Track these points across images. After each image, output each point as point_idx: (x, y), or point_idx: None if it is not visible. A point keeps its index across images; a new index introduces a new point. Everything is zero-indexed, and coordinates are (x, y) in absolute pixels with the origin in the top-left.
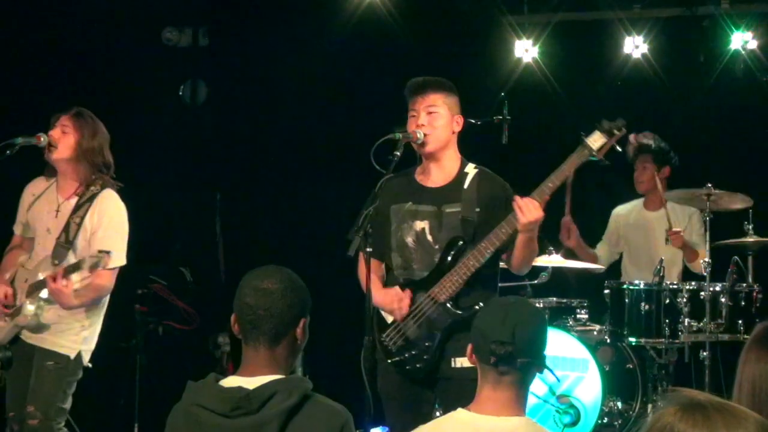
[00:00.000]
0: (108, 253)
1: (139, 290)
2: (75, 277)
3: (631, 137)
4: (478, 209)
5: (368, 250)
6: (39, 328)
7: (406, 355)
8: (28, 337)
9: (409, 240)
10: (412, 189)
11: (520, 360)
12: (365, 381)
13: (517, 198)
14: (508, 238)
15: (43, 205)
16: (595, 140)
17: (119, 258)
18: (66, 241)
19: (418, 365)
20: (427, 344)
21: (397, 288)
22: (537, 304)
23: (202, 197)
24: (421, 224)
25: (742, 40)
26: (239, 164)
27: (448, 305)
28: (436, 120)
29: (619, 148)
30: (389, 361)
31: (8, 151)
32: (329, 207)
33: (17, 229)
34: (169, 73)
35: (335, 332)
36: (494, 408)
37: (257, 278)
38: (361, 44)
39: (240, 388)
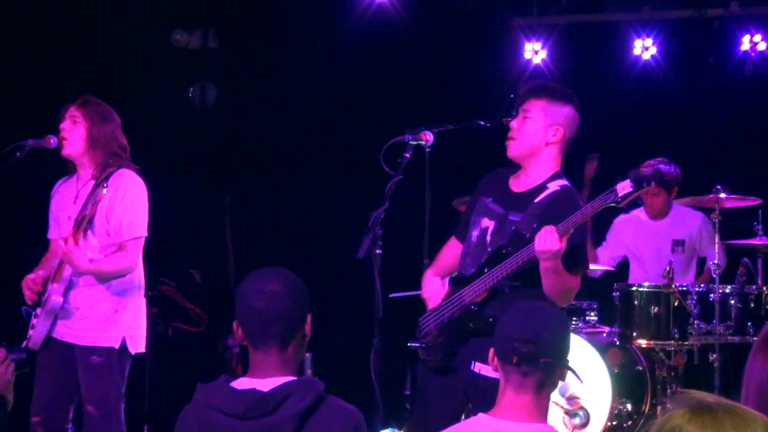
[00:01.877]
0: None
1: (149, 292)
2: (93, 247)
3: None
4: (535, 225)
5: (377, 252)
6: (71, 318)
7: (428, 341)
8: (63, 335)
9: (474, 234)
10: (500, 186)
11: (543, 360)
12: (374, 383)
13: (544, 228)
14: (530, 261)
15: (63, 197)
16: (624, 188)
17: (139, 228)
18: (84, 217)
19: (429, 357)
20: (441, 339)
21: (439, 282)
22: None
23: (211, 199)
24: (487, 223)
25: (751, 42)
26: (249, 166)
27: (471, 308)
28: (526, 125)
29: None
30: (409, 344)
31: (18, 153)
32: (339, 209)
33: (50, 235)
34: (178, 76)
35: (344, 334)
36: (516, 413)
37: (260, 282)
38: (371, 46)
39: (254, 390)
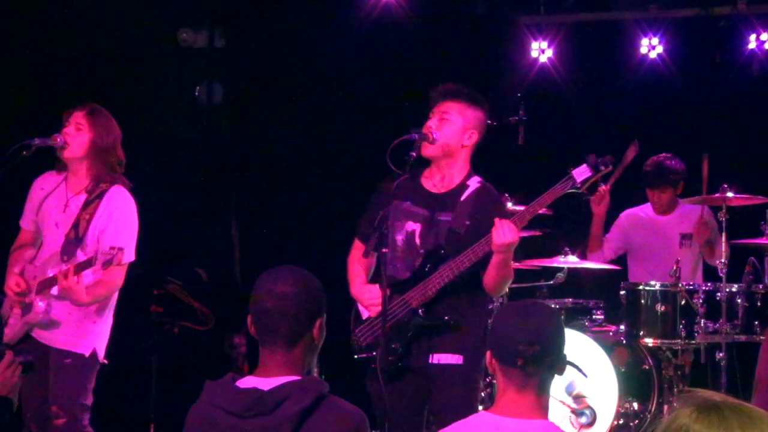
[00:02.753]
0: (121, 249)
1: (155, 291)
2: (87, 273)
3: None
4: (468, 222)
5: (384, 251)
6: (50, 326)
7: (373, 352)
8: (41, 337)
9: (399, 239)
10: (414, 190)
11: (548, 359)
12: (380, 382)
13: (497, 219)
14: (485, 256)
15: (52, 200)
16: (581, 173)
17: (129, 254)
18: (76, 237)
19: (382, 364)
20: (393, 345)
21: (377, 287)
22: (553, 305)
23: (218, 198)
24: (412, 226)
25: (758, 41)
26: (255, 165)
27: (419, 312)
28: (444, 126)
29: (603, 184)
30: (356, 356)
31: (24, 152)
32: (345, 208)
33: (24, 223)
34: (185, 75)
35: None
36: (518, 411)
37: (272, 281)
38: (377, 45)
39: (255, 389)
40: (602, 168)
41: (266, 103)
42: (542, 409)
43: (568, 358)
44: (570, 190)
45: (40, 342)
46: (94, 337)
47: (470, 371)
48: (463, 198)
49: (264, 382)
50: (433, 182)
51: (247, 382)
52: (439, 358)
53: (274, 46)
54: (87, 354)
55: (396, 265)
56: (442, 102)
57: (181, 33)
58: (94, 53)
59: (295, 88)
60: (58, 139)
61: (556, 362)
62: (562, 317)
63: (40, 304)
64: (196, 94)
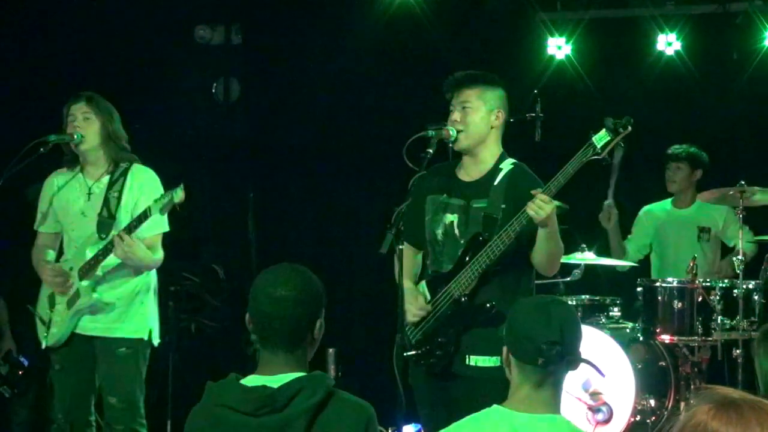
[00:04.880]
0: (175, 189)
1: (172, 287)
2: (142, 228)
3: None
4: (504, 206)
5: (400, 247)
6: (99, 315)
7: (422, 350)
8: (89, 330)
9: (439, 233)
10: (449, 181)
11: (569, 358)
12: (398, 378)
13: (529, 203)
14: (520, 235)
15: (70, 194)
16: (601, 138)
17: (162, 224)
18: (109, 215)
19: (432, 360)
20: (440, 340)
21: (422, 300)
22: (569, 302)
23: (235, 195)
24: (450, 217)
25: None
26: (272, 162)
27: (462, 301)
28: (469, 115)
29: (622, 145)
30: (406, 354)
31: (42, 149)
32: (362, 205)
33: (41, 227)
34: (202, 71)
35: (368, 330)
36: (533, 406)
37: (270, 284)
38: (394, 41)
39: (264, 387)
40: (621, 130)
41: (283, 99)
42: (556, 405)
43: (587, 358)
44: (593, 157)
45: (83, 335)
46: (147, 318)
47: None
48: (496, 182)
49: (270, 380)
50: (466, 171)
51: (252, 380)
52: (476, 361)
53: (290, 42)
54: (145, 337)
55: (439, 259)
56: (458, 92)
57: (198, 30)
58: (112, 50)
59: (312, 84)
60: (75, 135)
61: (575, 360)
62: (579, 314)
63: (85, 285)
64: (213, 90)
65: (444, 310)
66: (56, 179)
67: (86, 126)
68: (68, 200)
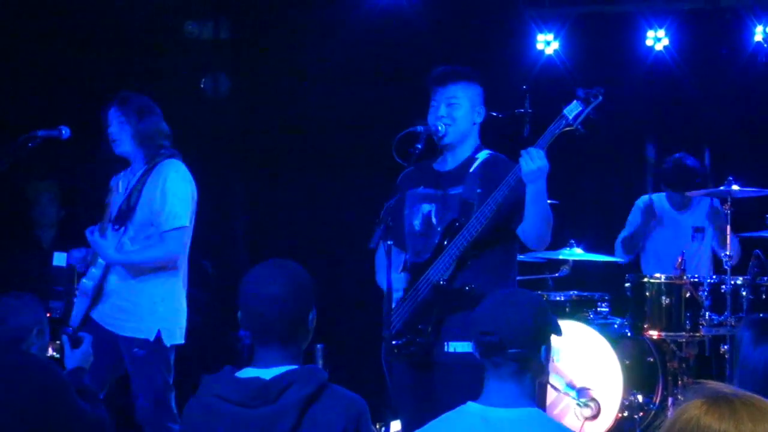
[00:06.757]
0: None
1: None
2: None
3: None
4: (480, 190)
5: (388, 243)
6: (112, 307)
7: (404, 339)
8: (105, 322)
9: (417, 223)
10: (426, 174)
11: (511, 351)
12: (386, 375)
13: (522, 152)
14: (499, 213)
15: (118, 190)
16: (572, 109)
17: (178, 218)
18: (128, 207)
19: (413, 348)
20: (421, 327)
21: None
22: (558, 298)
23: (224, 190)
24: (427, 207)
25: (764, 33)
26: (261, 156)
27: (441, 284)
28: (455, 111)
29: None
30: (396, 342)
31: (30, 144)
32: (352, 200)
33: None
34: (190, 66)
35: (356, 326)
36: (503, 400)
37: (261, 282)
38: (383, 37)
39: (258, 379)
40: (592, 99)
41: (272, 94)
42: (527, 397)
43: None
44: (565, 129)
45: (103, 327)
46: (158, 318)
47: None
48: (472, 169)
49: (264, 372)
50: (443, 163)
51: (246, 373)
52: (455, 347)
53: (279, 36)
54: (151, 339)
55: (417, 248)
56: (444, 87)
57: (187, 24)
58: (100, 45)
59: (301, 79)
60: (63, 131)
61: (526, 356)
62: (567, 310)
63: (93, 270)
64: (202, 85)
65: (424, 296)
66: (115, 178)
67: (119, 130)
68: (116, 196)
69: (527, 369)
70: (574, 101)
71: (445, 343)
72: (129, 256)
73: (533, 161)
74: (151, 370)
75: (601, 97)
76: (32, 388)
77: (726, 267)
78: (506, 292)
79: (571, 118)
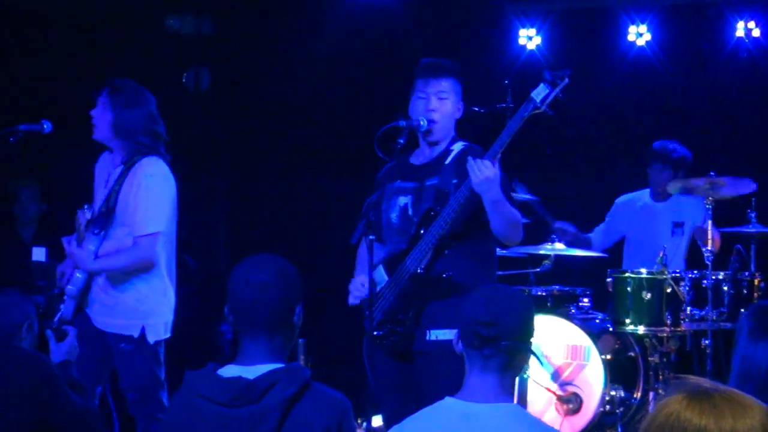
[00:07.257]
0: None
1: None
2: (91, 240)
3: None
4: (455, 180)
5: (370, 238)
6: (98, 304)
7: (385, 329)
8: (94, 319)
9: (393, 216)
10: (402, 169)
11: (504, 342)
12: (367, 370)
13: (469, 159)
14: (469, 202)
15: (101, 179)
16: (540, 92)
17: (151, 224)
18: (107, 210)
19: (394, 338)
20: (400, 317)
21: (362, 277)
22: (540, 293)
23: (206, 186)
24: (404, 200)
25: (746, 28)
26: (243, 152)
27: (419, 273)
28: (444, 105)
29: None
30: (377, 333)
31: (12, 138)
32: (334, 195)
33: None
34: (172, 61)
35: (338, 321)
36: (482, 395)
37: (249, 271)
38: (365, 32)
39: (240, 378)
40: (558, 82)
41: (254, 89)
42: (506, 393)
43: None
44: (534, 112)
45: (97, 327)
46: (141, 315)
47: None
48: (447, 161)
49: (247, 371)
50: (419, 156)
51: (229, 371)
52: (436, 335)
53: (262, 31)
54: (135, 335)
55: (393, 240)
56: (436, 80)
57: (169, 19)
58: (81, 39)
59: (283, 74)
60: (45, 126)
61: (517, 348)
62: (549, 305)
63: (76, 274)
64: (184, 80)
65: (402, 286)
66: (100, 163)
67: (100, 115)
68: (99, 185)
69: (515, 362)
70: (541, 84)
71: (427, 332)
72: (103, 264)
73: (480, 172)
74: (138, 365)
75: (567, 79)
76: (25, 382)
77: (707, 262)
78: (497, 285)
79: (538, 101)
